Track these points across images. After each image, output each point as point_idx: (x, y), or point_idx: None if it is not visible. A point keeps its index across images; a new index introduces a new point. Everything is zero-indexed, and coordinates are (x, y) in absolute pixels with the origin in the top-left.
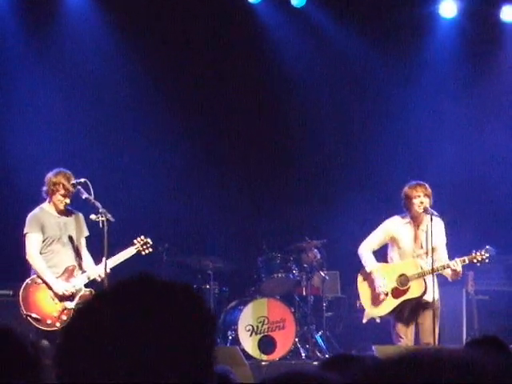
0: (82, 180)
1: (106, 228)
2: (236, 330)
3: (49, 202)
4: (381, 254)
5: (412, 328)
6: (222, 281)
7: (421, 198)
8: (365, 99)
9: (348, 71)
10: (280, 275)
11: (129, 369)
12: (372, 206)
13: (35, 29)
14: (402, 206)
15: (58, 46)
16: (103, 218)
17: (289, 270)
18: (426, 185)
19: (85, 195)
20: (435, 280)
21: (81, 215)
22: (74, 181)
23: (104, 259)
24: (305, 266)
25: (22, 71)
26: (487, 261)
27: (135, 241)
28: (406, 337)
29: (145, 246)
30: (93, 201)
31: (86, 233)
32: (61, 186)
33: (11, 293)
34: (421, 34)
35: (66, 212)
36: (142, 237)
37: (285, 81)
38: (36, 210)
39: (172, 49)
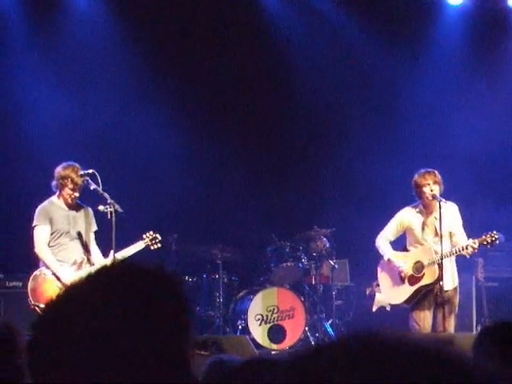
0: (90, 171)
1: (114, 219)
2: (246, 320)
3: (58, 196)
4: (398, 246)
5: (429, 315)
6: (232, 270)
7: (431, 186)
8: (372, 88)
9: (355, 60)
10: (289, 264)
11: (99, 361)
12: (381, 195)
13: (39, 24)
14: (414, 195)
15: (61, 41)
16: (111, 209)
17: (298, 258)
18: (436, 172)
19: (93, 186)
20: (454, 268)
21: (90, 209)
22: (81, 172)
23: (112, 250)
24: (314, 254)
25: (25, 66)
26: (497, 242)
27: (144, 235)
28: (422, 324)
29: (154, 241)
30: (101, 192)
31: (95, 227)
32: (69, 180)
33: (21, 284)
34: (428, 22)
35: (75, 206)
36: (151, 232)
37: (290, 71)
38: (45, 203)
39: (176, 40)
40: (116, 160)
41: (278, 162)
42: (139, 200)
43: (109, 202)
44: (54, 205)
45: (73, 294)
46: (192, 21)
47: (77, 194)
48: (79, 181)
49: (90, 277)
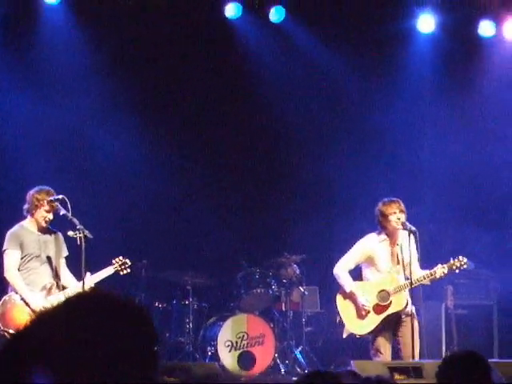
0: (60, 196)
1: (83, 244)
2: (215, 346)
3: (30, 220)
4: (355, 273)
5: (390, 343)
6: (202, 296)
7: (397, 215)
8: (343, 113)
9: (326, 85)
10: (259, 290)
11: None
12: (351, 223)
13: (14, 41)
14: (377, 224)
15: (35, 57)
16: (81, 235)
17: (268, 285)
18: (400, 200)
19: (62, 211)
20: (408, 294)
21: (60, 235)
22: (51, 197)
23: (83, 276)
24: (284, 281)
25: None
26: (465, 266)
27: (114, 261)
28: (385, 352)
29: (123, 266)
30: (70, 217)
31: (66, 252)
32: (45, 201)
33: None
34: (399, 49)
35: (46, 230)
36: (121, 257)
37: (264, 96)
38: (16, 227)
39: (153, 62)
40: (85, 184)
41: (249, 188)
42: (108, 225)
43: (78, 227)
44: (25, 229)
45: (41, 322)
46: (163, 34)
47: (51, 217)
48: (53, 204)
49: (58, 306)
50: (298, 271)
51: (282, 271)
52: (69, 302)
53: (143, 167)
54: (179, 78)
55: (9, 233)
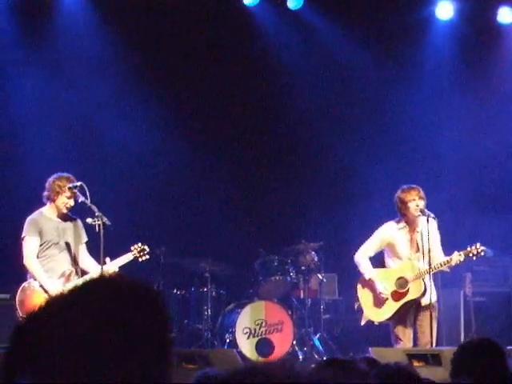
0: (78, 183)
1: (102, 231)
2: (233, 333)
3: (50, 206)
4: (377, 260)
5: (411, 330)
6: (220, 284)
7: (416, 201)
8: (362, 102)
9: (344, 74)
10: (277, 278)
11: (84, 371)
12: (369, 210)
13: (31, 28)
14: (397, 211)
15: (54, 44)
16: (99, 222)
17: (286, 272)
18: (419, 187)
19: (81, 198)
20: (432, 282)
21: (79, 221)
22: (70, 184)
23: (101, 262)
24: (302, 268)
25: (18, 70)
26: (483, 254)
27: (132, 247)
28: (404, 339)
29: (142, 253)
30: (89, 204)
31: (85, 238)
32: (66, 188)
33: (8, 296)
34: (418, 37)
35: (65, 217)
36: (140, 244)
37: (281, 84)
38: (35, 214)
39: (168, 50)
40: (105, 171)
41: (268, 176)
42: (127, 212)
43: (97, 214)
44: (44, 216)
45: (54, 306)
46: (180, 22)
47: (72, 203)
48: (75, 189)
49: (72, 290)
50: (316, 258)
51: (301, 258)
52: (79, 286)
53: (161, 154)
54: (194, 66)
55: (28, 219)
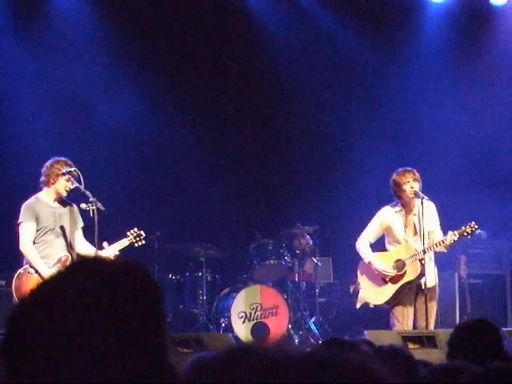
0: (72, 169)
1: (96, 217)
2: (229, 317)
3: (46, 191)
4: (378, 247)
5: (410, 312)
6: (215, 268)
7: (411, 183)
8: (357, 85)
9: (339, 58)
10: (272, 262)
11: (74, 353)
12: (365, 193)
13: (25, 21)
14: (392, 194)
15: (47, 25)
16: (93, 207)
17: (281, 256)
18: (414, 170)
19: (75, 184)
20: (434, 265)
21: (75, 206)
22: (64, 170)
23: (96, 247)
24: (297, 252)
25: (14, 65)
26: (477, 232)
27: (128, 233)
28: (403, 321)
29: (138, 238)
30: (83, 190)
31: (81, 223)
32: (65, 170)
33: (4, 283)
34: (412, 19)
35: (61, 202)
36: (136, 229)
37: (276, 69)
38: (31, 200)
39: (165, 41)
40: (99, 157)
41: (262, 159)
42: (121, 197)
43: (91, 200)
44: (40, 201)
45: (47, 288)
46: (177, 9)
47: (71, 186)
48: (74, 172)
49: (64, 271)
50: (311, 242)
51: (295, 242)
52: (65, 270)
53: (154, 139)
54: (191, 52)
55: (24, 205)
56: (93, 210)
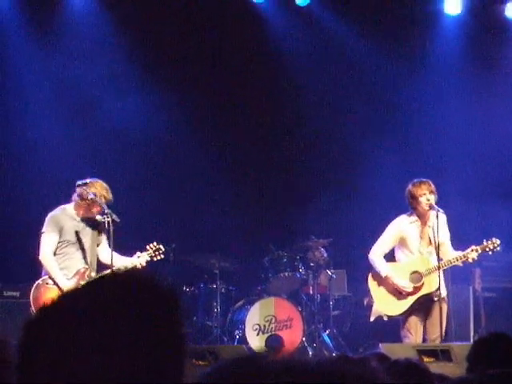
0: (88, 181)
1: (111, 228)
2: (243, 329)
3: (75, 206)
4: (386, 257)
5: (422, 325)
6: (229, 280)
7: (427, 196)
8: (370, 96)
9: (353, 67)
10: (287, 274)
11: (92, 368)
12: (378, 205)
13: (37, 23)
14: (408, 205)
15: (60, 40)
16: (109, 219)
17: (295, 268)
18: (430, 181)
19: (90, 196)
20: (442, 276)
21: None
22: (79, 182)
23: (111, 260)
24: (311, 264)
25: (25, 64)
26: (499, 248)
27: (148, 246)
28: (415, 333)
29: (157, 252)
30: (99, 202)
31: (104, 237)
32: (102, 196)
33: (18, 294)
34: (425, 31)
35: (103, 218)
36: (155, 243)
37: (288, 75)
38: (57, 211)
39: (174, 47)
40: (115, 169)
41: (277, 171)
42: (137, 209)
43: (106, 211)
44: (67, 214)
45: (68, 299)
46: (189, 23)
47: (100, 218)
48: (110, 198)
49: (86, 285)
50: (325, 254)
51: (310, 254)
52: (91, 283)
53: (170, 149)
54: (199, 54)
55: (50, 215)
56: (108, 222)
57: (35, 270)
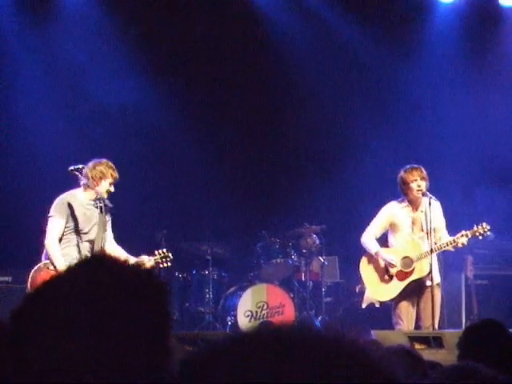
0: (80, 166)
1: (104, 213)
2: (235, 316)
3: (85, 191)
4: (381, 241)
5: (413, 311)
6: (221, 266)
7: (418, 182)
8: (365, 84)
9: (349, 57)
10: (279, 261)
11: (76, 353)
12: (371, 193)
13: (30, 5)
14: (399, 191)
15: (56, 40)
16: (101, 204)
17: (288, 255)
18: (422, 168)
19: (83, 181)
20: (437, 264)
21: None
22: (72, 167)
23: (102, 245)
24: (304, 251)
25: (22, 65)
26: (489, 233)
27: (156, 252)
28: (406, 320)
29: (164, 260)
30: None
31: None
32: (109, 173)
33: (10, 279)
34: (420, 19)
35: (94, 204)
36: (165, 249)
37: (286, 69)
38: (66, 195)
39: (173, 41)
40: (108, 157)
41: (269, 159)
42: (128, 195)
43: (98, 196)
44: (76, 199)
45: (56, 283)
46: (189, 20)
47: (112, 189)
48: (75, 173)
49: (72, 269)
50: (317, 241)
51: (302, 241)
52: (75, 265)
53: (163, 136)
54: (199, 46)
55: (58, 200)
56: (100, 207)
57: (27, 254)
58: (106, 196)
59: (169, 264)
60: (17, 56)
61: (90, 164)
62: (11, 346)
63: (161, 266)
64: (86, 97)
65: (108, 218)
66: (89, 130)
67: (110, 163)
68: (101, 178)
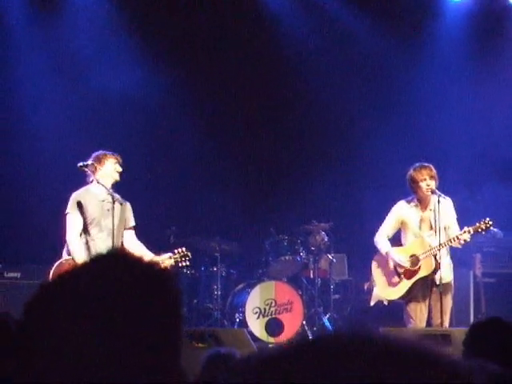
0: (89, 162)
1: (113, 209)
2: (243, 313)
3: (96, 185)
4: (395, 242)
5: (425, 309)
6: (230, 263)
7: (427, 181)
8: (373, 82)
9: (357, 53)
10: (287, 258)
11: (87, 345)
12: (380, 190)
13: (41, 17)
14: (408, 189)
15: (64, 34)
16: (114, 198)
17: (296, 252)
18: (431, 166)
19: (92, 177)
20: (449, 262)
21: (128, 205)
22: (81, 163)
23: (113, 237)
24: (312, 248)
25: (29, 59)
26: (491, 228)
27: (176, 250)
28: (416, 318)
29: (183, 258)
30: (100, 182)
31: (133, 223)
32: (109, 155)
33: (19, 275)
34: (429, 17)
35: (112, 197)
36: (184, 248)
37: (291, 60)
38: (80, 190)
39: (176, 34)
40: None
41: (279, 155)
42: (136, 190)
43: (107, 192)
44: (90, 193)
45: (68, 278)
46: (193, 14)
47: (120, 169)
48: (84, 169)
49: (87, 263)
50: (326, 239)
51: (311, 238)
52: (90, 260)
53: (172, 132)
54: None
55: (73, 195)
56: (109, 202)
57: (36, 251)
58: (117, 177)
59: (187, 263)
60: (23, 49)
61: (94, 154)
62: (14, 341)
63: (179, 264)
64: (91, 90)
65: (129, 211)
66: (95, 125)
67: (115, 154)
68: (103, 159)
